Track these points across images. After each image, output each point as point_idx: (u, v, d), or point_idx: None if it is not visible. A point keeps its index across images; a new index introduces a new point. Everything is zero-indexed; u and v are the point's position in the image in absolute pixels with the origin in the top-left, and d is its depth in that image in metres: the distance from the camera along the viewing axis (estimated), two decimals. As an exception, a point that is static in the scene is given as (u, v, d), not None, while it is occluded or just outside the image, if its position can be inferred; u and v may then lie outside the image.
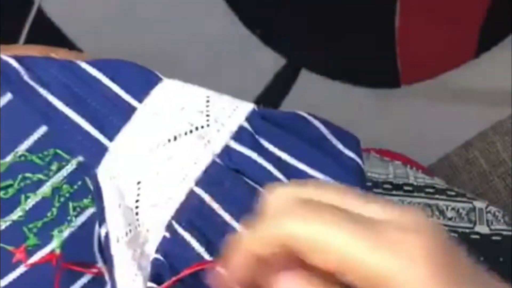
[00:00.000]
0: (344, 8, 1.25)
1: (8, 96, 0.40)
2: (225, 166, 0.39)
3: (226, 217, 0.38)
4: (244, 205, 0.38)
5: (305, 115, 0.42)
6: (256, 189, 0.39)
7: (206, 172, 0.39)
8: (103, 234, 0.38)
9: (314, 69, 1.21)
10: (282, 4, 1.25)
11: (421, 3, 1.25)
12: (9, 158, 0.39)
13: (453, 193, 0.65)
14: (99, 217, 0.38)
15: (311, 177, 0.39)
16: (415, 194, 0.64)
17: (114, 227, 0.37)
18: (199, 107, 0.41)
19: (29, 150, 0.40)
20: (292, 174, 0.40)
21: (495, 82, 1.20)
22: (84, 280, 0.38)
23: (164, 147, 0.40)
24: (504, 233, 0.64)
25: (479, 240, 0.63)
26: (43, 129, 0.40)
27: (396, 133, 1.19)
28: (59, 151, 0.40)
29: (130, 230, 0.38)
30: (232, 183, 0.39)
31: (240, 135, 0.40)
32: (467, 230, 0.63)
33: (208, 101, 0.41)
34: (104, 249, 0.37)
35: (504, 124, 1.12)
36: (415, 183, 0.65)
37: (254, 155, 0.40)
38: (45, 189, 0.39)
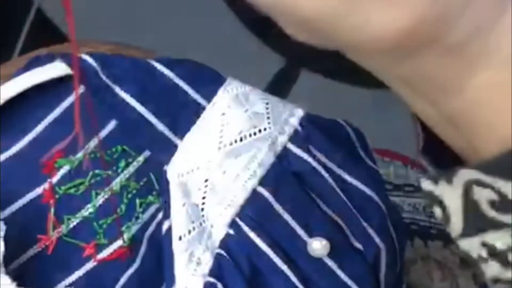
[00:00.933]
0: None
1: (80, 89, 0.41)
2: (285, 169, 0.41)
3: (287, 217, 0.40)
4: (301, 206, 0.40)
5: (343, 123, 0.43)
6: (309, 192, 0.40)
7: (268, 172, 0.40)
8: (165, 227, 0.39)
9: (314, 69, 1.21)
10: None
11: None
12: (80, 154, 0.41)
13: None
14: (164, 211, 0.39)
15: (356, 187, 0.41)
16: (416, 194, 0.64)
17: (178, 224, 0.39)
18: (260, 110, 0.42)
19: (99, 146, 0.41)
20: (339, 182, 0.41)
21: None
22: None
23: (231, 147, 0.41)
24: None
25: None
26: (112, 123, 0.41)
27: (395, 133, 1.18)
28: (126, 148, 0.41)
29: (194, 228, 0.39)
30: (290, 184, 0.40)
31: (296, 138, 0.41)
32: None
33: (267, 104, 0.43)
34: (164, 243, 0.38)
35: (504, 124, 1.11)
36: (415, 183, 0.65)
37: (310, 160, 0.41)
38: (114, 186, 0.40)
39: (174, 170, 0.40)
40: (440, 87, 0.29)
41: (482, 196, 0.28)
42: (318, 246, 0.39)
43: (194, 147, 0.41)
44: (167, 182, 0.40)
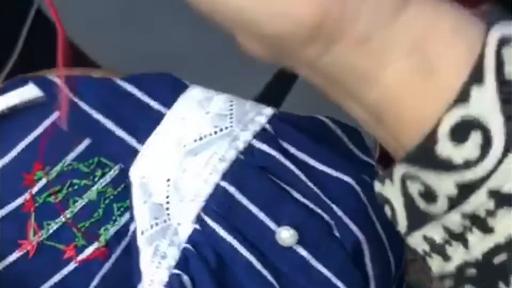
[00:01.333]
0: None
1: (56, 114, 0.45)
2: (249, 163, 0.40)
3: (253, 208, 0.41)
4: (267, 196, 0.41)
5: (323, 119, 0.44)
6: (277, 183, 0.41)
7: (231, 167, 0.42)
8: (132, 228, 0.41)
9: (314, 69, 1.21)
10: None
11: (421, 3, 1.25)
12: (58, 167, 0.43)
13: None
14: (131, 212, 0.41)
15: (332, 177, 0.41)
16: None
17: (140, 220, 0.40)
18: (224, 111, 0.44)
19: (76, 159, 0.44)
20: (312, 173, 0.42)
21: (495, 82, 1.20)
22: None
23: (190, 146, 0.43)
24: None
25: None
26: (87, 141, 0.44)
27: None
28: (102, 159, 0.44)
29: (156, 224, 0.40)
30: (255, 177, 0.41)
31: (262, 135, 0.43)
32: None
33: (231, 105, 0.44)
34: (132, 242, 0.40)
35: (504, 124, 1.11)
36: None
37: (275, 153, 0.42)
38: (91, 193, 0.43)
39: (136, 172, 0.42)
40: (358, 80, 0.31)
41: (414, 188, 0.29)
42: (286, 235, 0.39)
43: (155, 149, 0.43)
44: (130, 184, 0.42)
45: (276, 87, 1.21)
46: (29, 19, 1.21)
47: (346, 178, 0.41)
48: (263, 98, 1.20)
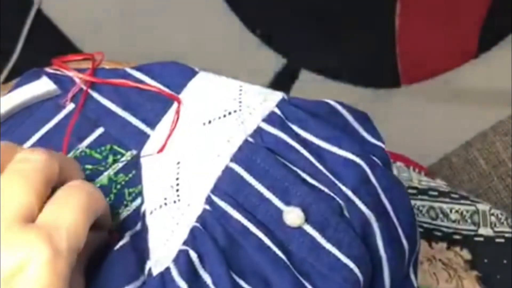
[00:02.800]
0: (344, 8, 1.25)
1: (71, 105, 0.45)
2: (257, 145, 0.41)
3: (261, 189, 0.40)
4: (276, 177, 0.41)
5: (332, 102, 0.44)
6: (285, 164, 0.41)
7: (240, 149, 0.41)
8: (142, 210, 0.41)
9: (314, 69, 1.21)
10: (282, 4, 1.25)
11: (421, 3, 1.25)
12: (71, 154, 0.44)
13: (456, 196, 0.65)
14: (142, 196, 0.41)
15: (341, 158, 0.41)
16: (419, 196, 0.64)
17: (149, 201, 0.41)
18: (233, 95, 0.44)
19: (89, 147, 0.44)
20: (321, 154, 0.42)
21: (495, 82, 1.20)
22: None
23: (200, 130, 0.43)
24: (507, 235, 0.64)
25: (483, 243, 0.63)
26: (100, 130, 0.45)
27: (396, 133, 1.19)
28: (115, 146, 0.44)
29: (165, 203, 0.40)
30: (264, 159, 0.41)
31: (271, 118, 0.43)
32: (471, 233, 0.63)
33: (241, 90, 0.44)
34: (142, 224, 0.40)
35: (504, 125, 1.12)
36: (419, 186, 0.65)
37: (283, 136, 0.42)
38: (102, 178, 0.43)
39: (146, 155, 0.43)
40: None
41: None
42: (292, 216, 0.39)
43: (164, 134, 0.43)
44: (140, 168, 0.43)
45: (276, 87, 1.21)
46: (29, 19, 1.21)
47: (356, 159, 0.41)
48: (263, 98, 1.20)
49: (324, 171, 0.41)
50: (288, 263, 0.39)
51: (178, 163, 0.42)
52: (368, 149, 0.43)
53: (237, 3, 1.25)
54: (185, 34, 1.24)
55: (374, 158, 0.43)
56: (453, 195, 0.65)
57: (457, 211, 0.65)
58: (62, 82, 0.46)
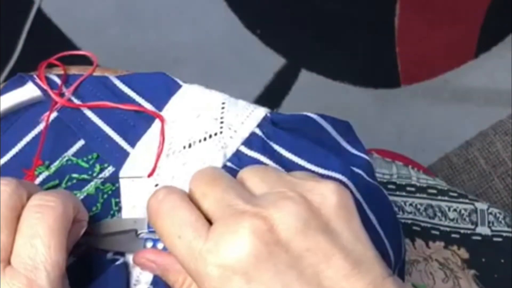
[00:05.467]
0: (344, 8, 1.25)
1: (55, 113, 0.45)
2: (236, 169, 0.41)
3: None
4: None
5: (314, 117, 0.44)
6: None
7: None
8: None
9: (314, 69, 1.22)
10: (282, 4, 1.25)
11: (421, 3, 1.25)
12: (57, 162, 0.44)
13: (455, 194, 0.65)
14: (119, 214, 0.42)
15: (324, 176, 0.41)
16: (418, 195, 0.64)
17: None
18: (214, 115, 0.43)
19: (75, 155, 0.44)
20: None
21: (495, 82, 1.20)
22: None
23: (179, 153, 0.42)
24: (505, 234, 0.64)
25: (481, 241, 0.63)
26: (81, 142, 0.44)
27: (396, 133, 1.19)
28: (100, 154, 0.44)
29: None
30: None
31: (251, 141, 0.42)
32: (469, 231, 0.63)
33: (223, 107, 0.44)
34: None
35: (504, 124, 1.12)
36: (417, 184, 0.65)
37: (263, 158, 0.42)
38: (89, 188, 0.43)
39: (125, 175, 0.43)
40: None
41: None
42: None
43: (145, 153, 0.43)
44: (118, 187, 0.42)
45: (276, 87, 1.21)
46: (29, 19, 1.21)
47: (338, 176, 0.41)
48: (263, 98, 1.20)
49: None
50: None
51: (156, 185, 0.42)
52: (351, 161, 0.43)
53: (237, 3, 1.25)
54: (185, 34, 1.24)
55: (358, 170, 0.43)
56: (451, 193, 0.65)
57: (455, 210, 0.64)
58: (49, 85, 0.46)
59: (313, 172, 0.41)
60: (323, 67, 1.22)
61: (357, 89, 1.21)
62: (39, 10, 1.23)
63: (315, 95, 1.21)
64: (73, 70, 0.47)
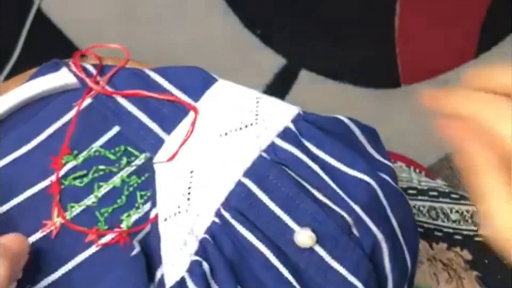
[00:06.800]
0: (344, 8, 1.25)
1: (88, 100, 0.46)
2: (271, 160, 0.42)
3: (273, 206, 0.41)
4: (288, 195, 0.41)
5: (344, 119, 0.44)
6: (297, 181, 0.41)
7: (253, 164, 0.42)
8: (153, 214, 0.41)
9: (314, 69, 1.22)
10: (282, 4, 1.25)
11: (421, 3, 1.25)
12: (85, 153, 0.44)
13: (456, 196, 0.65)
14: (153, 199, 0.42)
15: (352, 177, 0.41)
16: (419, 197, 0.64)
17: (163, 208, 0.41)
18: (250, 107, 0.44)
19: (103, 146, 0.45)
20: (333, 172, 0.42)
21: (495, 82, 1.20)
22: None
23: (216, 141, 0.43)
24: (507, 235, 0.64)
25: (483, 243, 0.63)
26: (115, 129, 0.45)
27: (396, 133, 1.19)
28: (129, 148, 0.44)
29: (179, 212, 0.41)
30: (277, 175, 0.41)
31: (285, 134, 0.43)
32: (472, 233, 0.63)
33: (258, 102, 0.44)
34: (152, 228, 0.41)
35: (504, 125, 1.12)
36: (419, 187, 0.65)
37: (297, 152, 0.42)
38: (116, 180, 0.44)
39: (161, 161, 0.43)
40: None
41: None
42: (303, 238, 0.39)
43: (179, 141, 0.43)
44: (154, 172, 0.43)
45: (276, 87, 1.21)
46: (29, 19, 1.21)
47: (366, 178, 0.41)
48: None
49: (336, 188, 0.41)
50: (294, 282, 0.39)
51: (192, 171, 0.42)
52: (377, 166, 0.43)
53: (237, 3, 1.25)
54: (185, 34, 1.24)
55: (384, 176, 0.43)
56: (453, 195, 0.65)
57: (457, 211, 0.64)
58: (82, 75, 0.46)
59: (340, 171, 0.41)
60: (323, 67, 1.22)
61: (357, 89, 1.21)
62: (39, 10, 1.23)
63: (315, 95, 1.21)
64: (107, 61, 0.47)
